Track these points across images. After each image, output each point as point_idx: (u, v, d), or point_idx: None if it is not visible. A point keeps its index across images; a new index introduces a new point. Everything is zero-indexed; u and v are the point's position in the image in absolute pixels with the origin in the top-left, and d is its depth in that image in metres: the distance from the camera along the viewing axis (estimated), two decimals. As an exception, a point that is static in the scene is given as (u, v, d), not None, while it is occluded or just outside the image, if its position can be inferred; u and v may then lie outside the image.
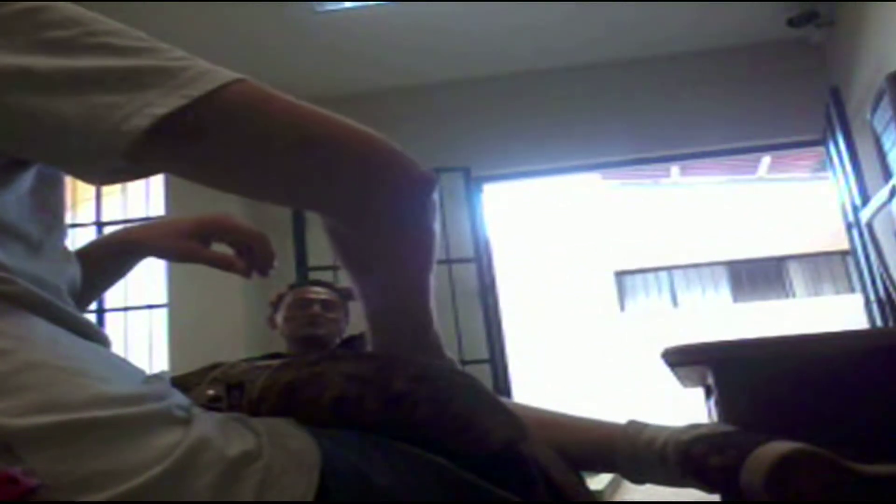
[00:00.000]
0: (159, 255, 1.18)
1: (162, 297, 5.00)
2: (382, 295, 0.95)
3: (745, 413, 1.28)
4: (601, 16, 4.67)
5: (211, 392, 0.95)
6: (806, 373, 1.34)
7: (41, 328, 0.68)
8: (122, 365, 0.73)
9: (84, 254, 1.11)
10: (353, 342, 3.23)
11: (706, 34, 4.99)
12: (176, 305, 4.90)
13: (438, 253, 0.91)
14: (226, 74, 0.72)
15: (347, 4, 4.33)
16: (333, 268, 4.31)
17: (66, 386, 0.63)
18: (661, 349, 1.40)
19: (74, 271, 0.83)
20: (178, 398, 0.71)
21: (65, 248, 0.82)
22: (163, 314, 4.97)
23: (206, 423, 0.69)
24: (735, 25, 4.89)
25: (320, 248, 4.41)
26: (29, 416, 0.59)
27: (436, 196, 0.86)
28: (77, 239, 4.44)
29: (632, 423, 1.22)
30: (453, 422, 0.85)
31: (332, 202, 0.82)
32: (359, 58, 4.94)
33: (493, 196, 5.52)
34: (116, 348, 0.79)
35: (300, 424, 0.78)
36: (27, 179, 0.76)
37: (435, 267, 0.94)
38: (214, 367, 1.02)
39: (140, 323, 5.10)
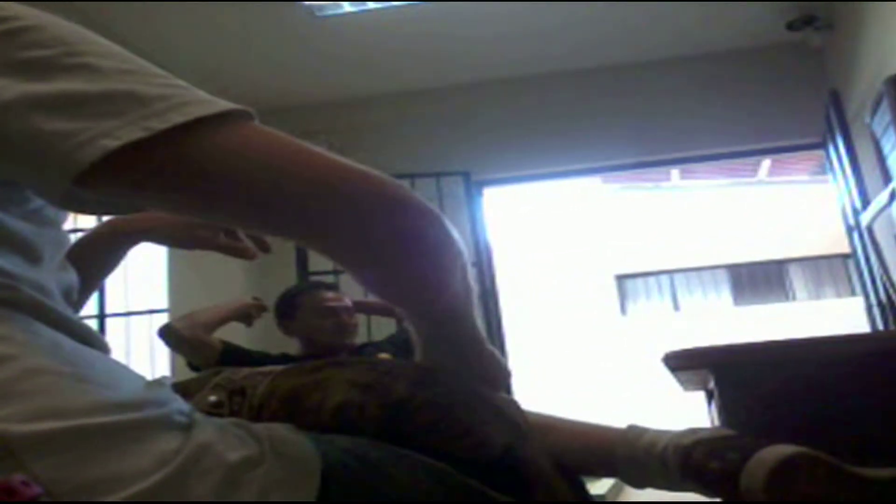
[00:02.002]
0: (171, 243, 1.18)
1: (163, 302, 5.00)
2: (415, 313, 0.94)
3: (746, 417, 1.28)
4: (601, 20, 4.67)
5: (213, 398, 0.95)
6: (807, 376, 1.34)
7: (44, 334, 0.68)
8: (124, 371, 0.73)
9: (85, 245, 1.12)
10: (364, 349, 3.24)
11: (705, 38, 5.00)
12: (177, 310, 4.88)
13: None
14: (208, 107, 0.67)
15: (347, 9, 4.33)
16: (335, 272, 4.31)
17: (69, 392, 0.63)
18: (662, 352, 1.41)
19: (71, 278, 0.83)
20: (180, 404, 0.71)
21: (63, 258, 0.83)
22: (164, 319, 4.97)
23: (208, 429, 0.69)
24: (734, 29, 4.89)
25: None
26: (31, 422, 0.59)
27: (442, 227, 0.79)
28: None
29: (632, 428, 1.22)
30: (454, 427, 0.85)
31: (318, 246, 0.77)
32: (359, 62, 4.94)
33: (493, 200, 5.52)
34: (118, 353, 0.79)
35: (302, 430, 0.78)
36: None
37: (463, 268, 0.86)
38: (217, 372, 1.02)
39: (141, 328, 5.10)
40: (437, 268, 0.81)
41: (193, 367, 3.03)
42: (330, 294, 3.11)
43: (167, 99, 0.65)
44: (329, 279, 4.25)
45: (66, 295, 0.80)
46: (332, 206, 0.70)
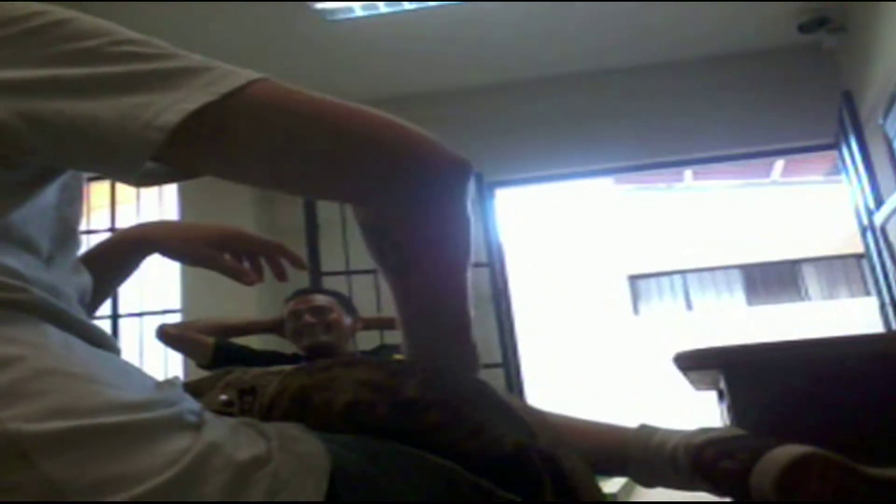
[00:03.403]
0: (179, 258, 1.21)
1: (176, 302, 5.02)
2: (419, 297, 0.94)
3: (757, 417, 1.28)
4: (613, 22, 4.67)
5: (223, 397, 0.95)
6: (819, 377, 1.33)
7: (55, 336, 0.69)
8: (134, 372, 0.74)
9: (100, 252, 1.15)
10: (379, 352, 3.24)
11: (718, 40, 4.98)
12: (190, 310, 4.92)
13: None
14: (249, 73, 0.74)
15: (358, 13, 4.34)
16: (346, 273, 4.33)
17: (79, 392, 0.63)
18: (674, 353, 1.40)
19: (86, 281, 0.83)
20: (190, 403, 0.72)
21: (76, 259, 0.83)
22: (177, 319, 4.99)
23: (217, 429, 0.70)
24: (746, 31, 4.88)
25: (333, 255, 4.42)
26: (42, 421, 0.60)
27: (470, 187, 0.86)
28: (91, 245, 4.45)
29: (643, 427, 1.22)
30: (464, 427, 0.85)
31: (362, 191, 0.83)
32: (369, 65, 4.95)
33: (505, 201, 5.51)
34: (131, 353, 0.80)
35: (311, 429, 0.79)
36: (49, 194, 0.77)
37: (471, 266, 0.91)
38: (227, 372, 1.03)
39: (155, 328, 5.12)
40: (467, 233, 0.88)
41: (204, 368, 3.07)
42: (307, 296, 3.13)
43: (214, 70, 0.73)
44: (341, 280, 4.26)
45: (80, 297, 0.80)
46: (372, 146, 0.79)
